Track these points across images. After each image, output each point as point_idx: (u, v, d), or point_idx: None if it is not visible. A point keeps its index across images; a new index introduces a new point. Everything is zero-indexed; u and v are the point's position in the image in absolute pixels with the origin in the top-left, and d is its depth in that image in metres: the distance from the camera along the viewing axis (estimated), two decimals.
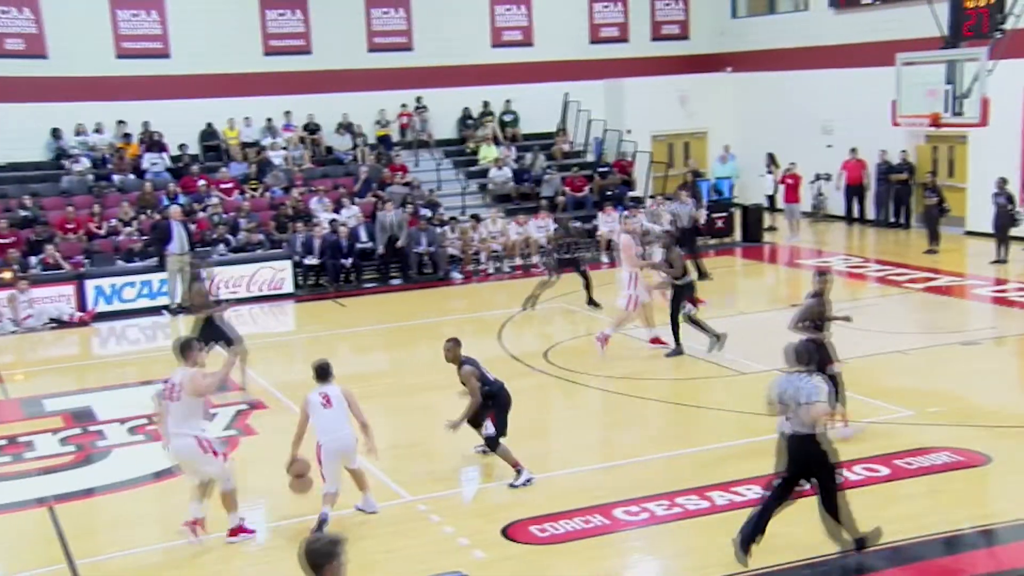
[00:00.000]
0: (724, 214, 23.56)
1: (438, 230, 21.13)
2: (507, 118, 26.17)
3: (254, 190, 22.46)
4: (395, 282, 20.59)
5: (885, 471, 9.78)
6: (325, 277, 20.28)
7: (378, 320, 17.78)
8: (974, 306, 16.74)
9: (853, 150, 23.88)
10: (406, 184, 23.02)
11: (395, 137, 25.35)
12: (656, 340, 14.47)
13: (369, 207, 21.79)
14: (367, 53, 25.29)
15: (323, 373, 9.30)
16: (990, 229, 19.73)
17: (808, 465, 7.98)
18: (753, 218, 23.34)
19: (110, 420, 12.57)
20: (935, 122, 17.54)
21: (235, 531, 9.12)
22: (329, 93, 24.50)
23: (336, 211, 21.50)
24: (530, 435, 11.14)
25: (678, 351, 14.08)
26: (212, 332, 12.97)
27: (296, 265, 19.95)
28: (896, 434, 10.76)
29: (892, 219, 23.73)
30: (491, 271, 21.10)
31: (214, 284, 13.66)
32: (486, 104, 25.96)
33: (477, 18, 26.14)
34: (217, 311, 13.31)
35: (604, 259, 21.70)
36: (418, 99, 25.44)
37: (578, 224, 18.90)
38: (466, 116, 25.99)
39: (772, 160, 24.94)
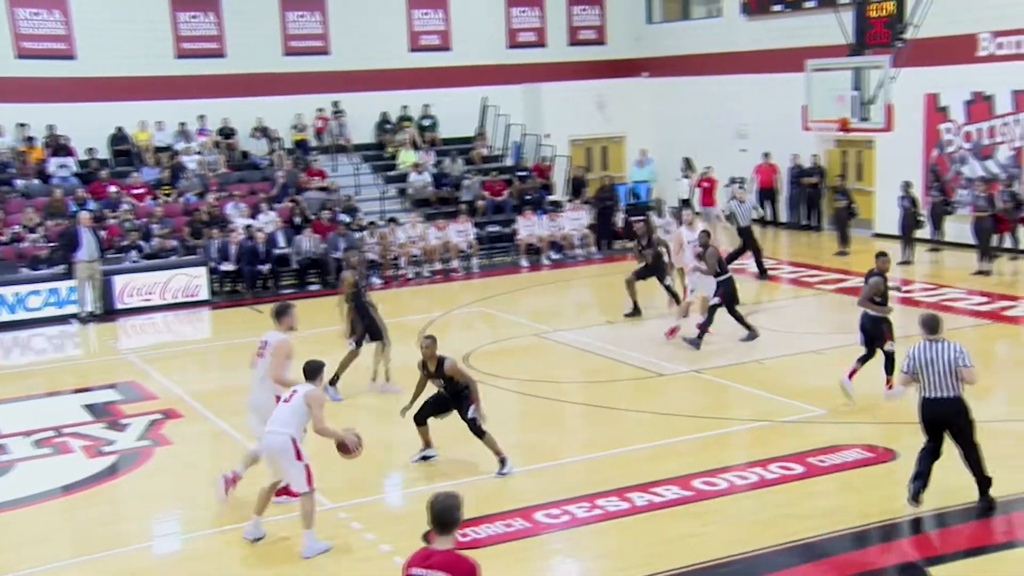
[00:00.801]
0: (642, 218, 23.79)
1: (357, 235, 20.97)
2: (426, 122, 26.10)
3: (167, 195, 21.99)
4: (313, 288, 20.36)
5: (800, 469, 9.99)
6: (242, 283, 19.97)
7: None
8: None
9: (766, 154, 24.37)
10: (323, 189, 22.80)
11: (312, 142, 25.10)
12: (673, 331, 14.75)
13: (286, 212, 21.53)
14: (283, 57, 24.99)
15: (309, 373, 8.92)
16: (896, 231, 20.31)
17: (950, 423, 8.77)
18: None
19: (14, 433, 12.16)
20: (843, 127, 18.02)
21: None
22: (244, 97, 24.14)
23: (253, 216, 21.19)
24: (451, 439, 11.12)
25: (753, 335, 14.38)
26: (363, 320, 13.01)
27: (212, 271, 19.60)
28: (810, 432, 11.01)
29: (804, 222, 24.29)
30: (411, 276, 21.01)
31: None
32: (404, 108, 25.87)
33: (394, 22, 26.03)
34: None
35: (524, 263, 21.80)
36: (335, 103, 25.23)
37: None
38: (384, 120, 25.85)
39: (688, 164, 25.32)
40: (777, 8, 24.07)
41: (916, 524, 8.85)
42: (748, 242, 18.71)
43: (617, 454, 10.72)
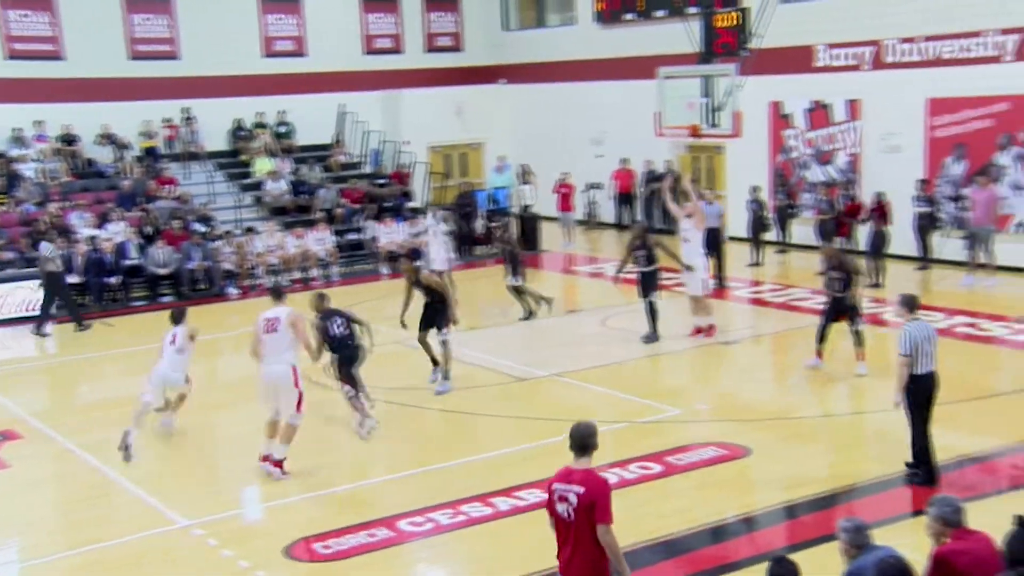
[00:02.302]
0: (502, 222, 24.02)
1: (212, 245, 20.38)
2: (282, 129, 25.61)
3: (2, 204, 20.87)
4: (166, 299, 19.68)
5: (658, 468, 10.19)
6: (89, 296, 19.13)
7: (150, 340, 16.88)
8: (734, 307, 17.76)
9: (624, 160, 24.88)
10: (176, 198, 22.07)
11: (163, 149, 24.28)
12: (699, 330, 14.99)
13: (136, 221, 20.74)
14: (128, 61, 24.08)
15: (178, 317, 11.48)
16: (746, 233, 21.03)
17: (933, 394, 9.33)
18: (529, 226, 23.92)
19: None
20: (694, 133, 18.54)
21: (278, 463, 10.16)
22: (87, 102, 23.13)
23: (100, 226, 20.32)
24: (313, 450, 10.92)
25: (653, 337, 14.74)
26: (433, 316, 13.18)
27: None
28: (667, 432, 11.26)
29: (659, 226, 24.84)
30: (269, 285, 20.53)
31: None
32: (259, 115, 25.32)
33: (247, 27, 25.45)
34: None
35: (384, 271, 21.59)
36: (186, 109, 24.48)
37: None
38: (238, 127, 25.24)
39: (525, 171, 25.75)
40: (629, 17, 24.63)
41: (768, 517, 9.15)
42: (713, 245, 18.58)
43: (480, 459, 10.72)
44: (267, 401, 10.33)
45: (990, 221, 17.62)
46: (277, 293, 10.82)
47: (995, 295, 16.97)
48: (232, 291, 20.02)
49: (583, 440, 6.08)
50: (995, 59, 18.25)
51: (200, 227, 20.98)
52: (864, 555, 5.75)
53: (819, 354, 13.10)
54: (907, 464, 9.60)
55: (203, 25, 24.66)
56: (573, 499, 5.99)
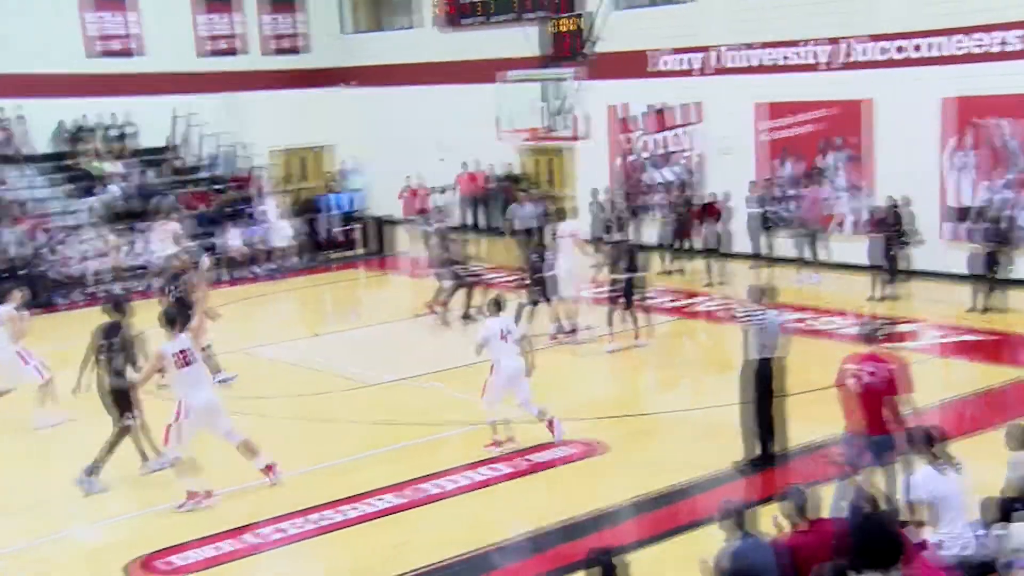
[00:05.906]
0: (350, 227, 23.78)
1: None
2: (114, 132, 24.53)
3: None
4: None
5: (509, 469, 10.18)
6: None
7: None
8: (586, 307, 17.97)
9: (464, 164, 24.92)
10: None
11: None
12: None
13: None
14: None
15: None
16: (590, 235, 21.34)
17: (770, 381, 9.86)
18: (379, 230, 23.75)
19: None
20: (535, 136, 18.74)
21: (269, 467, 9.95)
22: None
23: None
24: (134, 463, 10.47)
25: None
26: None
27: None
28: (519, 433, 11.24)
29: (495, 225, 24.92)
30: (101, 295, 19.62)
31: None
32: (84, 116, 24.12)
33: (67, 24, 24.20)
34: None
35: (226, 276, 21.02)
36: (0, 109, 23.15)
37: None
38: (66, 129, 23.98)
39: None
40: (470, 21, 24.69)
41: (619, 514, 9.24)
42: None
43: (327, 467, 10.53)
44: (198, 429, 9.61)
45: (816, 221, 18.50)
46: (171, 321, 9.61)
47: (823, 292, 17.81)
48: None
49: (872, 334, 8.46)
50: (814, 67, 19.20)
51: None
52: (742, 539, 6.14)
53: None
54: (736, 463, 9.89)
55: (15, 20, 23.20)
56: (872, 375, 8.05)
